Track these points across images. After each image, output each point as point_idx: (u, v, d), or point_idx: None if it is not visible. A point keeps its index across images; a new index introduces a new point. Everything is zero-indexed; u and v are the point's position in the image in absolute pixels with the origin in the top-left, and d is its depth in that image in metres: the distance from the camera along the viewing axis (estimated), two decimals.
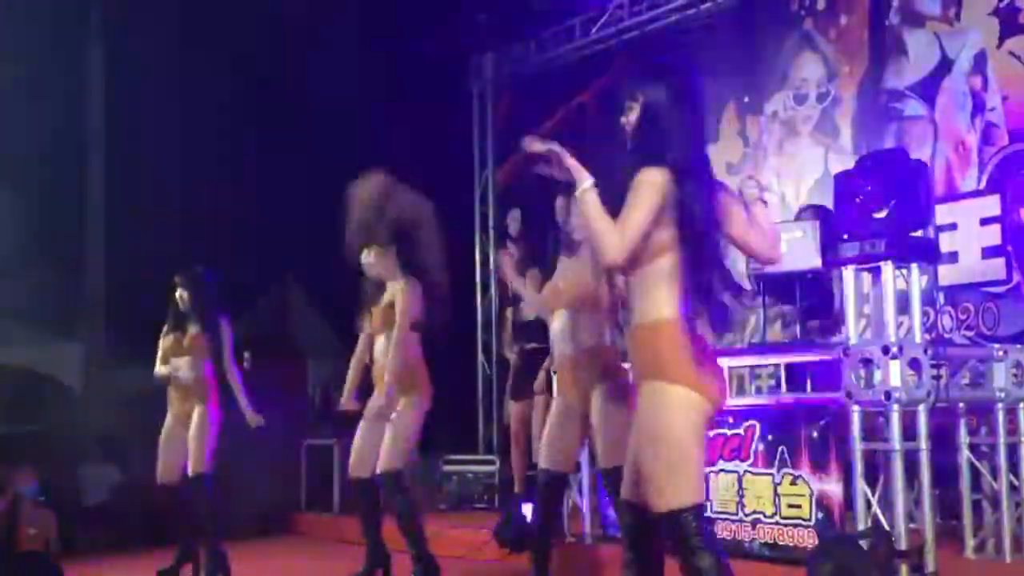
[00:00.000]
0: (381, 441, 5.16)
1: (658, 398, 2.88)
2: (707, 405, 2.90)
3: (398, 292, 5.25)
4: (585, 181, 2.95)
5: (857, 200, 4.66)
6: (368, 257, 5.37)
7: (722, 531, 5.03)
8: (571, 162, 3.00)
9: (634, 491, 3.03)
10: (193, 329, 5.88)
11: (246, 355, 5.99)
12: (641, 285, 2.96)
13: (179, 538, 5.94)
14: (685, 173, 2.91)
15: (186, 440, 5.80)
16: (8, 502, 6.72)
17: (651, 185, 2.87)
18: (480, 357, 9.55)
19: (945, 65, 6.84)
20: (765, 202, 3.11)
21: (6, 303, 7.08)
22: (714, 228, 2.97)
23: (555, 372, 4.83)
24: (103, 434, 7.14)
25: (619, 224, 2.87)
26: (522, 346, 7.27)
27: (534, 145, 3.13)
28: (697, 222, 2.92)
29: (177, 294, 5.91)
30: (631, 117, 3.04)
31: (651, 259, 2.93)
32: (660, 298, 2.93)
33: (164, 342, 5.96)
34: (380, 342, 5.33)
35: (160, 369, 5.96)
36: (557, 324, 4.56)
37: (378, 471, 5.15)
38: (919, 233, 4.85)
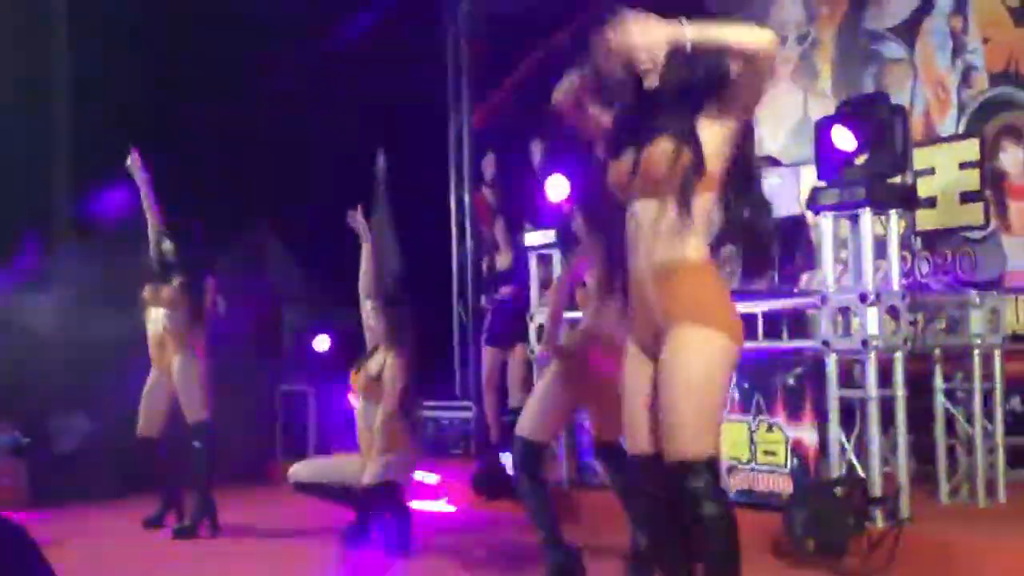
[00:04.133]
0: None
1: (706, 345, 2.75)
2: (738, 355, 2.86)
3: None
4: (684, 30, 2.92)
5: (836, 146, 4.62)
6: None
7: None
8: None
9: (650, 438, 2.87)
10: (175, 282, 5.82)
11: (220, 300, 5.93)
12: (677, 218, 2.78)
13: (163, 487, 5.92)
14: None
15: (168, 393, 5.78)
16: None
17: None
18: (456, 303, 9.49)
19: (926, 6, 6.74)
20: None
21: None
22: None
23: None
24: (75, 384, 7.06)
25: None
26: (498, 294, 7.25)
27: None
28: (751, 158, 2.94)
29: (164, 245, 5.86)
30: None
31: (701, 190, 2.79)
32: (701, 236, 2.81)
33: (146, 291, 5.89)
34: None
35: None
36: None
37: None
38: (897, 179, 4.81)
